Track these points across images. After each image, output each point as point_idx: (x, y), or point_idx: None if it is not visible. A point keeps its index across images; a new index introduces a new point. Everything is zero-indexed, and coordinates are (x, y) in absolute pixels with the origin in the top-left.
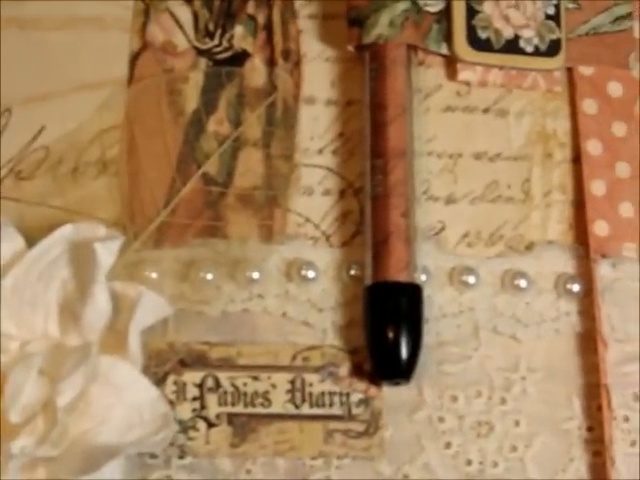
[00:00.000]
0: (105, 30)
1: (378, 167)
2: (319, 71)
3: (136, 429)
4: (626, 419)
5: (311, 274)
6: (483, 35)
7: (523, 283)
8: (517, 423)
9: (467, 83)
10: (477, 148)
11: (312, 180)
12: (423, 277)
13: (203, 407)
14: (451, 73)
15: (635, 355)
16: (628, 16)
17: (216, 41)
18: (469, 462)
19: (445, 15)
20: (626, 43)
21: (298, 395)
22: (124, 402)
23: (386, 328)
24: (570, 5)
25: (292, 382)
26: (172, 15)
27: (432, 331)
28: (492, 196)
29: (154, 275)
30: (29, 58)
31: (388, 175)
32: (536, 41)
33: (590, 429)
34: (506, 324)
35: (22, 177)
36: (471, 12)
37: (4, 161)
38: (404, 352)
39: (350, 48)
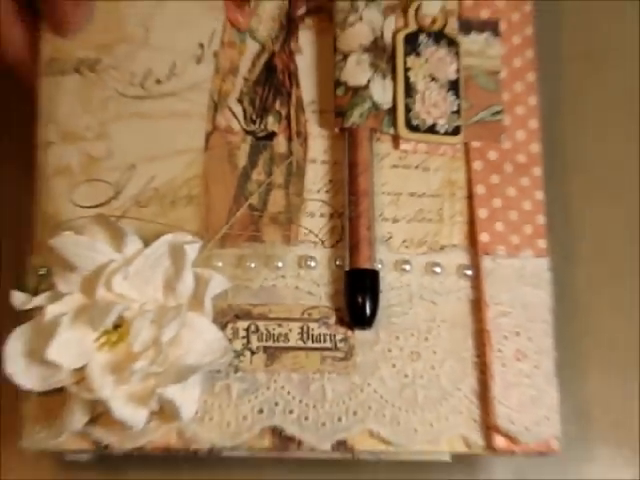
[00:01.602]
0: (191, 118)
1: (353, 201)
2: (318, 144)
3: (209, 356)
4: (499, 350)
5: (313, 264)
6: (415, 122)
7: (438, 269)
8: (435, 352)
9: (405, 151)
10: (411, 190)
11: (314, 208)
12: (379, 266)
13: (249, 342)
14: (396, 145)
15: (504, 312)
16: (500, 112)
17: (257, 126)
18: (406, 375)
19: (392, 110)
20: (499, 128)
21: (305, 335)
22: (202, 339)
23: (357, 296)
24: (465, 105)
25: (301, 328)
26: (230, 110)
27: (384, 298)
28: (419, 218)
29: (220, 264)
30: (147, 136)
31: (358, 206)
32: (446, 126)
33: (479, 356)
34: (428, 294)
35: (141, 205)
36: (407, 108)
37: (131, 195)
38: (368, 310)
39: (336, 130)
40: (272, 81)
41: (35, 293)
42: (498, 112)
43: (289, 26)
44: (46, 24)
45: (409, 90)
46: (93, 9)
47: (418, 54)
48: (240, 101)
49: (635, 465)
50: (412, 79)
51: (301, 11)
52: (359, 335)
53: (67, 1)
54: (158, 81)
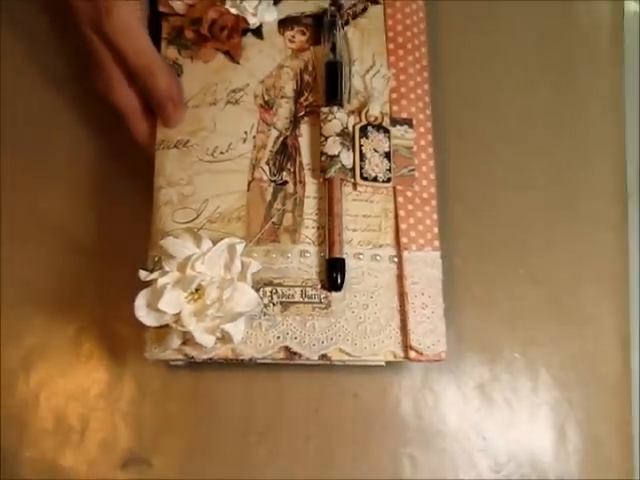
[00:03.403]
0: (240, 173)
1: (330, 220)
2: (311, 187)
3: (249, 307)
4: (412, 303)
5: (308, 255)
6: (365, 175)
7: (378, 258)
8: (376, 305)
9: (360, 191)
10: (363, 213)
11: (309, 224)
12: (345, 256)
13: (272, 298)
14: (355, 188)
15: (415, 282)
16: (413, 170)
17: (277, 177)
18: (360, 318)
19: (353, 169)
20: (412, 179)
21: (303, 295)
22: (245, 297)
23: (333, 273)
24: (393, 166)
25: (301, 291)
26: (262, 169)
27: (348, 274)
28: (368, 229)
29: (255, 255)
30: (214, 184)
31: (334, 222)
32: (383, 178)
33: (401, 306)
34: (372, 271)
35: (212, 222)
36: (361, 167)
37: (205, 216)
38: (339, 281)
39: (321, 180)
40: (285, 152)
41: (152, 271)
42: (412, 170)
43: (295, 121)
44: (159, 121)
45: (362, 157)
46: (185, 112)
47: (367, 137)
48: (267, 164)
49: (484, 364)
50: (364, 151)
51: (301, 113)
52: (334, 295)
53: (170, 108)
54: (221, 152)
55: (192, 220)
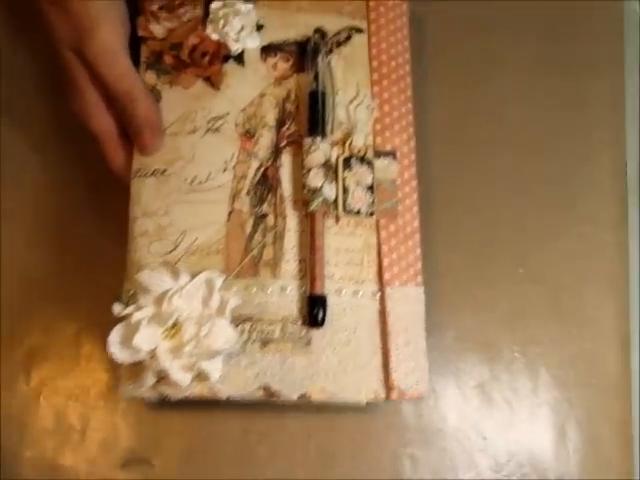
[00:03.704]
0: (219, 204)
1: (312, 254)
2: (292, 220)
3: (227, 344)
4: (395, 342)
5: (288, 290)
6: (348, 208)
7: (360, 294)
8: (358, 342)
9: (342, 225)
10: (345, 247)
11: (289, 257)
12: (327, 292)
13: (251, 334)
14: (337, 221)
15: (398, 318)
16: (396, 203)
17: (257, 209)
18: (342, 355)
19: (335, 202)
20: (395, 213)
21: (283, 332)
22: (224, 334)
23: (314, 309)
24: (377, 199)
25: (281, 327)
26: (242, 199)
27: (329, 310)
28: (350, 264)
29: (235, 289)
30: (193, 214)
31: (315, 256)
32: (366, 211)
33: (383, 343)
34: (354, 308)
35: (190, 254)
36: (344, 200)
37: (183, 248)
38: (320, 317)
39: (304, 213)
40: (266, 183)
41: (127, 305)
42: (395, 203)
43: (276, 151)
44: (136, 148)
45: (345, 190)
46: (162, 140)
47: (350, 169)
48: (248, 194)
49: (484, 364)
50: (347, 184)
51: (283, 143)
52: (315, 332)
53: (147, 135)
54: (200, 182)
55: (169, 252)
